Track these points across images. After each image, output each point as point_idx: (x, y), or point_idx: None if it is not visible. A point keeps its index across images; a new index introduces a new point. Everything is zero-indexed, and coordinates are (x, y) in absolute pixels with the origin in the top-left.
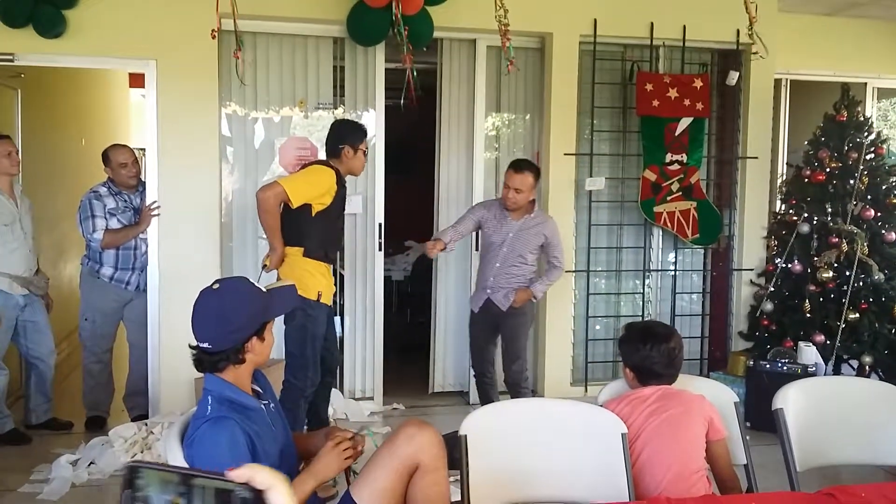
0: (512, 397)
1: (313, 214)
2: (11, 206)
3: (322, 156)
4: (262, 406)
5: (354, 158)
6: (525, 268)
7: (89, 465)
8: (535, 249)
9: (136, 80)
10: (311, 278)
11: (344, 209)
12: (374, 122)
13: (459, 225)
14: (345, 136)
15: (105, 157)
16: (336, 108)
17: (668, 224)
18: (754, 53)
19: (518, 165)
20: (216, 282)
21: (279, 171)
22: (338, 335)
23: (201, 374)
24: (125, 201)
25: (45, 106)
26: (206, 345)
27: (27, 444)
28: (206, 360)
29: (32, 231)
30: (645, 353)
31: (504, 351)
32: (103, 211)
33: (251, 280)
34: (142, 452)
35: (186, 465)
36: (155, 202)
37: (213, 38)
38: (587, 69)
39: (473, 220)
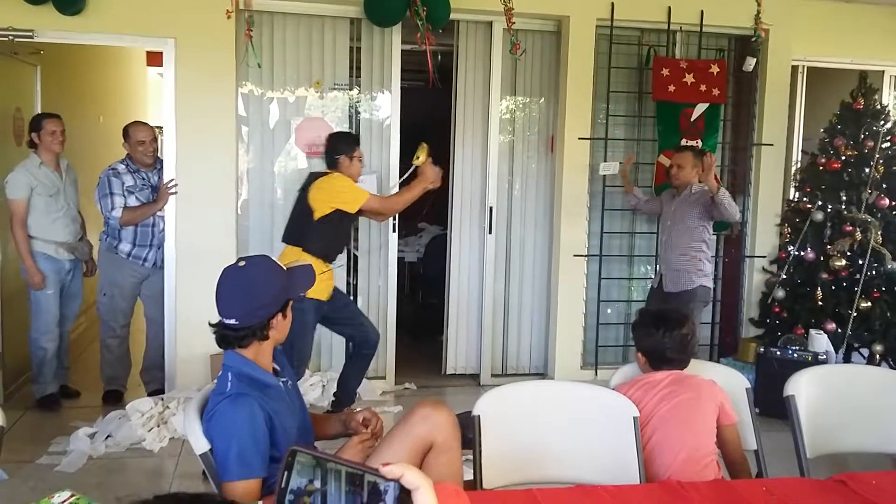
0: None
1: (317, 218)
2: (56, 177)
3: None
4: (281, 383)
5: (351, 166)
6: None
7: (106, 438)
8: (696, 220)
9: (153, 59)
10: None
11: (349, 217)
12: (389, 103)
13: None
14: (339, 147)
15: (125, 133)
16: (352, 89)
17: None
18: (753, 40)
19: (679, 147)
20: (241, 259)
21: (294, 150)
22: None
23: (217, 350)
24: (143, 179)
25: (64, 83)
26: (233, 321)
27: (58, 411)
28: (231, 337)
29: (77, 201)
30: (658, 339)
31: None
32: (121, 188)
33: (273, 258)
34: (157, 426)
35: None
36: (172, 180)
37: (228, 17)
38: (603, 53)
39: (658, 201)
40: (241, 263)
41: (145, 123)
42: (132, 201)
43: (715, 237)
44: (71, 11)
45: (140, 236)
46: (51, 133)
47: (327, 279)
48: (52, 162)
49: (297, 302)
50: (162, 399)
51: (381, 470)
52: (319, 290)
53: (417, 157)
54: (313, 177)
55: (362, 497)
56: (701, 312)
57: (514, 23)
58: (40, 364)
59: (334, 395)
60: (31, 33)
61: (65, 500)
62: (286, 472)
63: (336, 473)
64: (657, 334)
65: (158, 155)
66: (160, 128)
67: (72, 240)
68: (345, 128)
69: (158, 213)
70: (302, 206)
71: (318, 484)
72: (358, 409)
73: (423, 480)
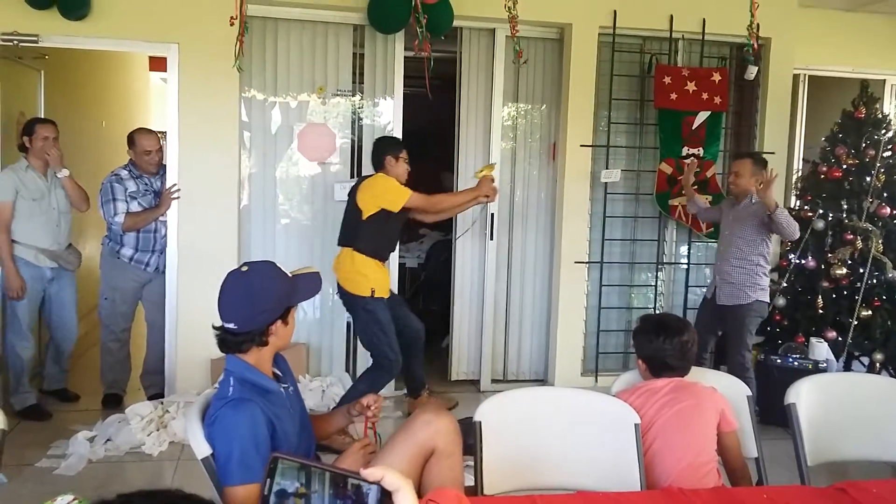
0: None
1: (365, 218)
2: (42, 182)
3: (339, 142)
4: (282, 389)
5: (397, 166)
6: (743, 255)
7: (106, 441)
8: (754, 232)
9: (156, 64)
10: (363, 277)
11: (396, 216)
12: (392, 110)
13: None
14: (384, 148)
15: (130, 139)
16: (354, 96)
17: (683, 218)
18: (745, 50)
19: (738, 154)
20: (245, 264)
21: (296, 156)
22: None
23: (217, 355)
24: (146, 184)
25: (68, 87)
26: (232, 325)
27: (48, 419)
28: (230, 341)
29: (67, 206)
30: (658, 346)
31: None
32: (124, 194)
33: (278, 265)
34: (157, 430)
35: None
36: (175, 185)
37: (232, 24)
38: (605, 61)
39: (718, 210)
40: (244, 269)
41: (151, 131)
42: (135, 206)
43: (772, 250)
44: (75, 16)
45: (142, 241)
46: (42, 138)
47: (387, 277)
48: (41, 166)
49: (366, 305)
50: (162, 403)
51: (363, 473)
52: (383, 289)
53: (481, 171)
54: (361, 179)
55: (345, 500)
56: (756, 327)
57: (518, 30)
58: (18, 374)
59: (407, 385)
60: (35, 38)
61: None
62: (269, 479)
63: (320, 477)
64: (657, 341)
65: (163, 161)
66: (163, 133)
67: (55, 247)
68: (347, 134)
69: (161, 219)
70: (352, 208)
71: (302, 488)
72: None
73: (402, 482)
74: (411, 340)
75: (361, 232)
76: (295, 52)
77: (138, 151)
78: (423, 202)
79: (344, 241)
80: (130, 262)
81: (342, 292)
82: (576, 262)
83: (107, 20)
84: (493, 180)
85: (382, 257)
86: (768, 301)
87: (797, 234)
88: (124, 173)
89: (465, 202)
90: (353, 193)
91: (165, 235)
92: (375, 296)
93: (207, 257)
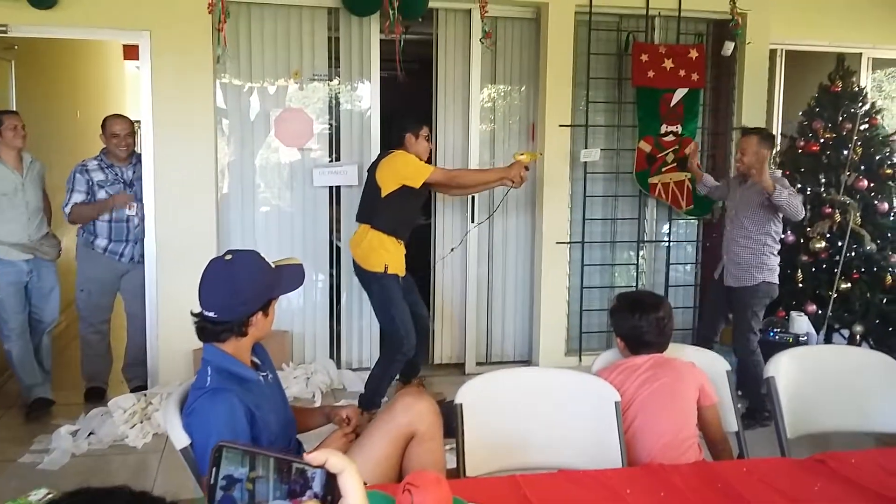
0: None
1: (384, 196)
2: (15, 176)
3: (317, 127)
4: (261, 378)
5: (417, 143)
6: (749, 235)
7: (89, 435)
8: (760, 211)
9: (131, 52)
10: (377, 253)
11: (416, 193)
12: (369, 93)
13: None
14: (404, 125)
15: (103, 125)
16: (331, 80)
17: (663, 195)
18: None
19: (744, 130)
20: (228, 252)
21: (275, 143)
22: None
23: (199, 345)
24: (116, 174)
25: (40, 78)
26: (211, 314)
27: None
28: (209, 329)
29: (40, 197)
30: (634, 323)
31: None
32: (86, 186)
33: (261, 254)
34: (141, 423)
35: (253, 444)
36: (137, 206)
37: (210, 12)
38: (583, 40)
39: (726, 187)
40: (228, 257)
41: (123, 116)
42: (102, 195)
43: (781, 229)
44: (44, 5)
45: (115, 232)
46: (12, 129)
47: (402, 256)
48: (12, 160)
49: (380, 281)
50: (145, 395)
51: (306, 457)
52: (398, 267)
53: (521, 154)
54: (381, 155)
55: (290, 484)
56: (763, 309)
57: (487, 11)
58: (18, 369)
59: (402, 369)
60: (4, 28)
61: (42, 498)
62: (214, 469)
63: (265, 463)
64: (633, 319)
65: (136, 150)
66: (137, 122)
67: (27, 240)
68: (325, 118)
69: (131, 212)
70: (370, 185)
71: (248, 473)
72: (343, 405)
73: (346, 464)
74: (417, 327)
75: (380, 210)
76: (269, 37)
77: (108, 135)
78: (444, 177)
79: (362, 217)
80: (105, 253)
81: (357, 269)
82: (557, 243)
83: (76, 9)
84: (527, 168)
85: (401, 235)
86: (777, 282)
87: (801, 214)
88: (93, 164)
89: (489, 181)
90: (372, 170)
91: (139, 226)
92: (389, 272)
93: (187, 247)
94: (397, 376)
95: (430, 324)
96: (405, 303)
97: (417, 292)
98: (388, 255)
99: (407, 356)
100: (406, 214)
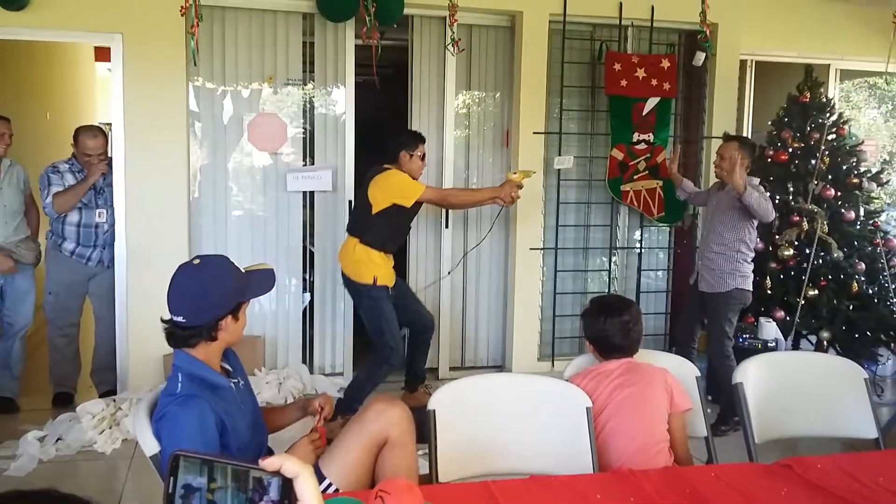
0: None
1: (374, 213)
2: None
3: (290, 132)
4: (232, 385)
5: (411, 162)
6: (723, 241)
7: (57, 440)
8: (735, 217)
9: (102, 54)
10: (365, 266)
11: (406, 210)
12: (343, 98)
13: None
14: (401, 142)
15: (75, 137)
16: (306, 85)
17: (635, 202)
18: (700, 37)
19: (726, 136)
20: (197, 257)
21: (248, 147)
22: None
23: (170, 351)
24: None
25: (9, 79)
26: (180, 318)
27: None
28: (178, 335)
29: (19, 201)
30: (601, 327)
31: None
32: (61, 184)
33: (230, 259)
34: (110, 428)
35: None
36: (108, 208)
37: (182, 15)
38: (556, 48)
39: (706, 193)
40: (196, 262)
41: (99, 131)
42: None
43: (756, 237)
44: (14, 7)
45: (83, 236)
46: None
47: (390, 267)
48: None
49: (369, 293)
50: (114, 400)
51: (262, 463)
52: (387, 278)
53: (514, 173)
54: (374, 171)
55: (248, 492)
56: (736, 315)
57: (456, 19)
58: None
59: (405, 377)
60: None
61: None
62: (172, 478)
63: (222, 471)
64: (600, 322)
65: (107, 153)
66: (108, 124)
67: (2, 241)
68: (299, 122)
69: (100, 219)
70: (362, 200)
71: (206, 483)
72: (316, 395)
73: (302, 468)
74: (421, 330)
75: (369, 225)
76: (244, 41)
77: (79, 150)
78: (435, 196)
79: (352, 230)
80: (72, 256)
81: (346, 280)
82: (531, 249)
83: (47, 11)
84: (520, 187)
85: (389, 250)
86: (750, 289)
87: (772, 216)
88: (63, 167)
89: (480, 201)
90: (364, 185)
91: (108, 231)
92: (378, 284)
93: (157, 251)
94: (403, 386)
95: (432, 326)
96: (395, 314)
97: (414, 297)
98: (377, 267)
99: (394, 367)
100: (395, 231)
